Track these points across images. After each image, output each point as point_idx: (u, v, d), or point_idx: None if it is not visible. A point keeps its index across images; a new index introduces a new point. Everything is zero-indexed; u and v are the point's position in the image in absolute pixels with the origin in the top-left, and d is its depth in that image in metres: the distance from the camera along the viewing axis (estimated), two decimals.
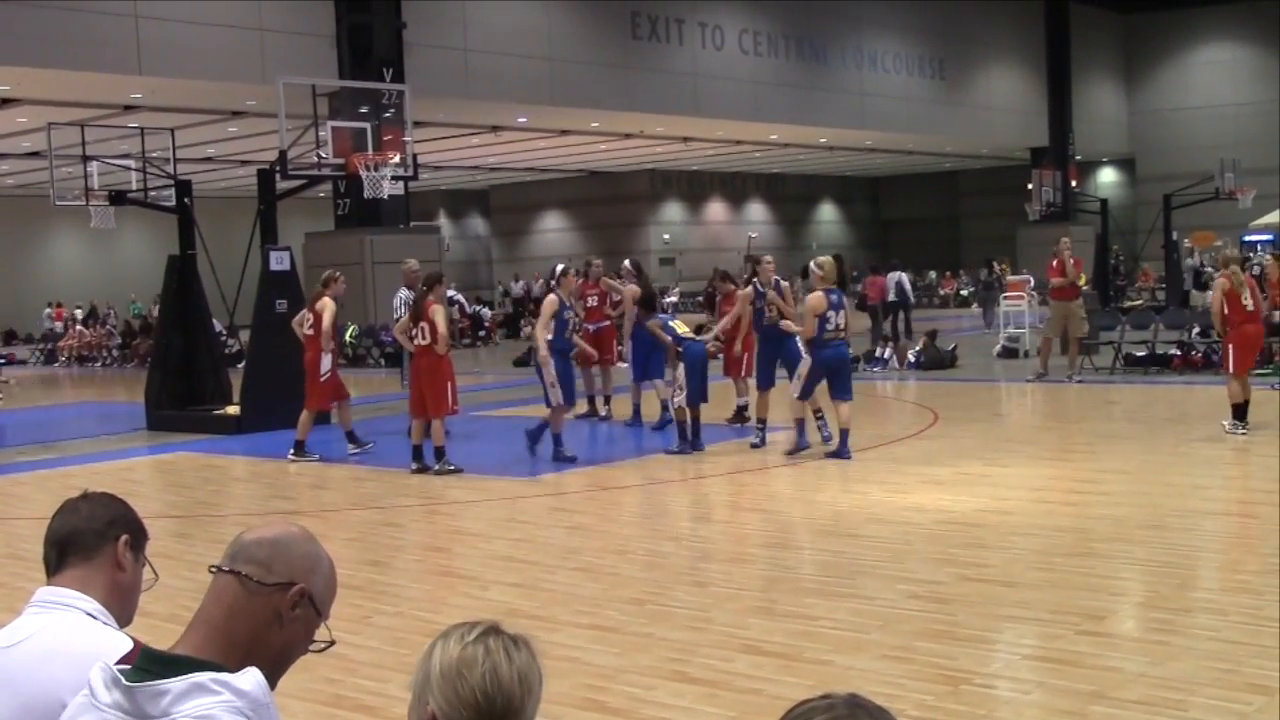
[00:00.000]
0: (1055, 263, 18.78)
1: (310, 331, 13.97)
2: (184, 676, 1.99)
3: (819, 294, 12.23)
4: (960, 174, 55.11)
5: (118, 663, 2.06)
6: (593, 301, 16.61)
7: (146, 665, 2.05)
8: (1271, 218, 39.47)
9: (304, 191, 19.60)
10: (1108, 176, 54.16)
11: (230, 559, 2.18)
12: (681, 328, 13.49)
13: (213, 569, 2.19)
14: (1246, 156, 37.94)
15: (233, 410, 17.03)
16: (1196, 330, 20.18)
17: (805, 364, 12.34)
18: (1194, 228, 38.82)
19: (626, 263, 17.03)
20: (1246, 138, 43.92)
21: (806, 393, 12.66)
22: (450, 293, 29.94)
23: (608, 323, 16.57)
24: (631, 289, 15.34)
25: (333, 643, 2.25)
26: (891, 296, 27.98)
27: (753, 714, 5.43)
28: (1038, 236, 43.00)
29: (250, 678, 2.01)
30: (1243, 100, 46.82)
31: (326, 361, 13.98)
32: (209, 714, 1.96)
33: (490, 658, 1.93)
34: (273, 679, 2.09)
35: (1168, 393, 17.01)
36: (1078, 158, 46.27)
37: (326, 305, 13.95)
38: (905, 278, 29.02)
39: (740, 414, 15.13)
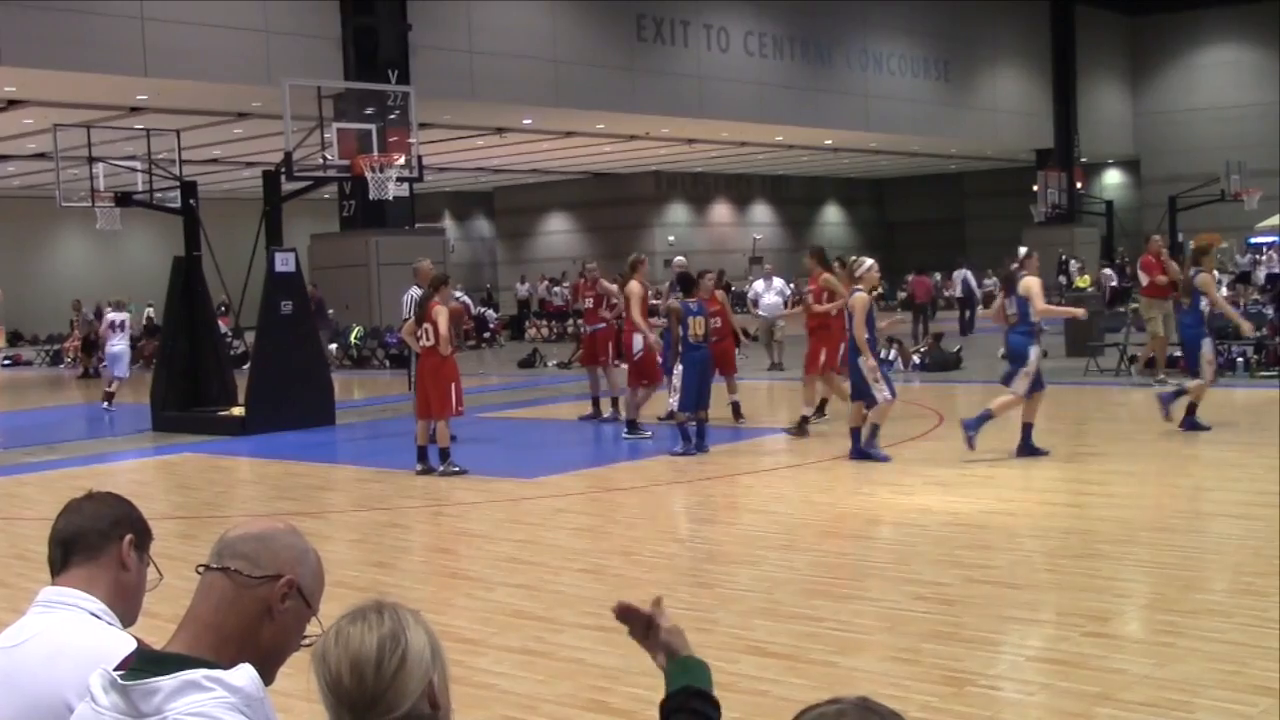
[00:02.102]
0: (1153, 259, 17.79)
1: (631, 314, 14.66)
2: (176, 674, 1.99)
3: (677, 304, 13.21)
4: (965, 176, 55.08)
5: (116, 667, 2.06)
6: (588, 303, 16.70)
7: (141, 665, 2.05)
8: (1277, 218, 39.41)
9: (309, 193, 19.63)
10: (1113, 178, 54.10)
11: (217, 556, 2.18)
12: (697, 330, 13.33)
13: (200, 568, 2.20)
14: (1252, 158, 37.91)
15: (238, 411, 17.05)
16: None
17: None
18: (1199, 230, 38.74)
19: (679, 259, 17.38)
20: (1252, 140, 43.83)
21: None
22: (457, 294, 30.01)
23: (604, 325, 16.59)
24: (673, 304, 14.21)
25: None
26: (958, 293, 28.87)
27: (758, 715, 5.43)
28: (1043, 238, 42.99)
29: (243, 674, 2.01)
30: (1248, 102, 46.75)
31: (639, 341, 14.47)
32: (202, 710, 1.96)
33: (340, 638, 1.96)
34: (267, 675, 2.10)
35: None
36: (1083, 159, 46.25)
37: (634, 290, 14.48)
38: (970, 275, 29.81)
39: (737, 411, 15.28)
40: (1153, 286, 17.77)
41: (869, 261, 12.40)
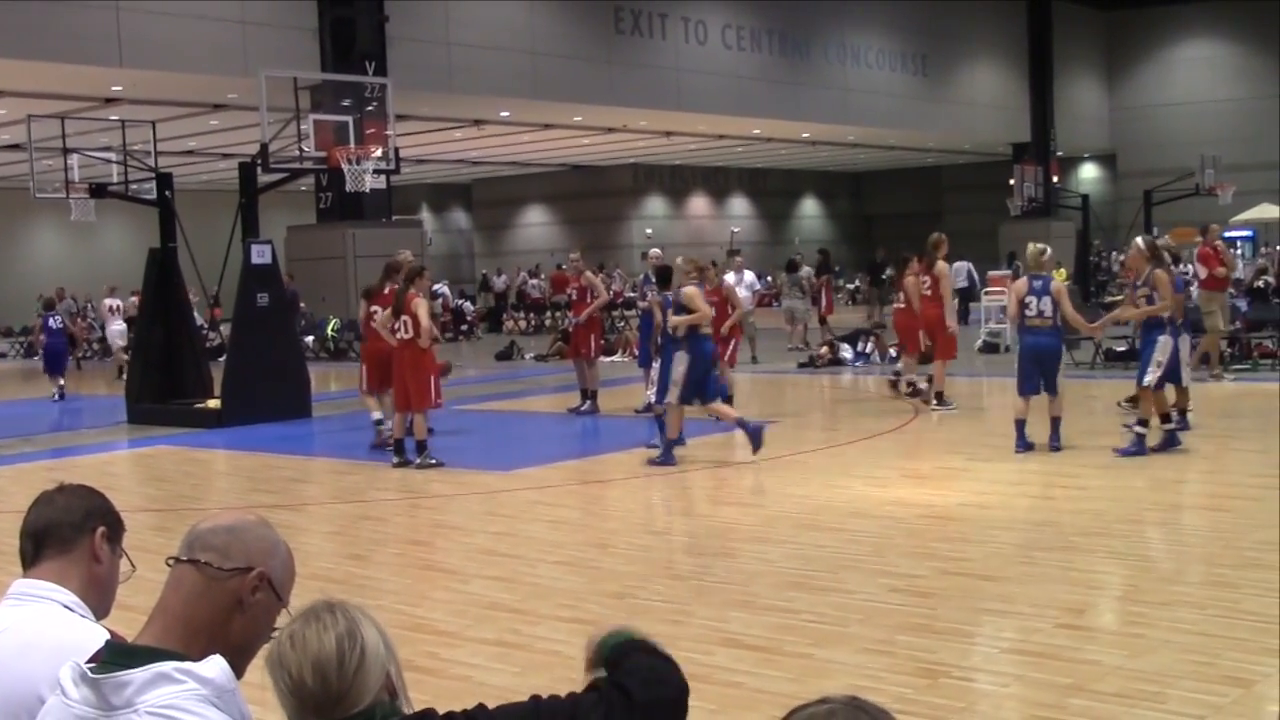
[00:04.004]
0: (1210, 251, 17.29)
1: (927, 292, 15.47)
2: (147, 666, 1.99)
3: (657, 297, 13.51)
4: (943, 169, 55.22)
5: (87, 660, 2.06)
6: (573, 295, 16.66)
7: (111, 658, 2.05)
8: (1252, 213, 39.66)
9: (285, 185, 19.56)
10: (1089, 172, 54.31)
11: (187, 548, 2.18)
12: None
13: (170, 561, 2.19)
14: (1226, 153, 38.09)
15: (214, 404, 16.99)
16: None
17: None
18: (1174, 223, 38.93)
19: (655, 251, 17.43)
20: (1227, 134, 44.06)
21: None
22: (437, 286, 29.97)
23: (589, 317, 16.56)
24: (654, 301, 14.36)
25: None
26: (962, 283, 29.57)
27: (733, 707, 5.44)
28: (1020, 232, 43.12)
29: (214, 665, 2.01)
30: (1223, 97, 46.99)
31: (951, 317, 15.52)
32: (173, 703, 1.96)
33: (296, 640, 1.99)
34: (237, 667, 2.10)
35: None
36: (1059, 153, 46.39)
37: (944, 271, 15.38)
38: (972, 266, 30.45)
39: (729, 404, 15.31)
40: (1211, 279, 17.35)
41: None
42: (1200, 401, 15.39)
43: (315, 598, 2.09)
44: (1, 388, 25.71)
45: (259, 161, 16.84)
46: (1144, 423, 11.41)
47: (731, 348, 15.59)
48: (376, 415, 13.91)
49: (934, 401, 15.24)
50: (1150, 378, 11.33)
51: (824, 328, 24.83)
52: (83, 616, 2.50)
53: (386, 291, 13.48)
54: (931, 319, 15.35)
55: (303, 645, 1.97)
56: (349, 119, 17.78)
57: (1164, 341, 11.35)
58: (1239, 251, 37.66)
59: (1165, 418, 11.53)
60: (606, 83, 31.24)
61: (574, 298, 16.64)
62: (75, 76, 23.42)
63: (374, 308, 13.51)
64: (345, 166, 16.90)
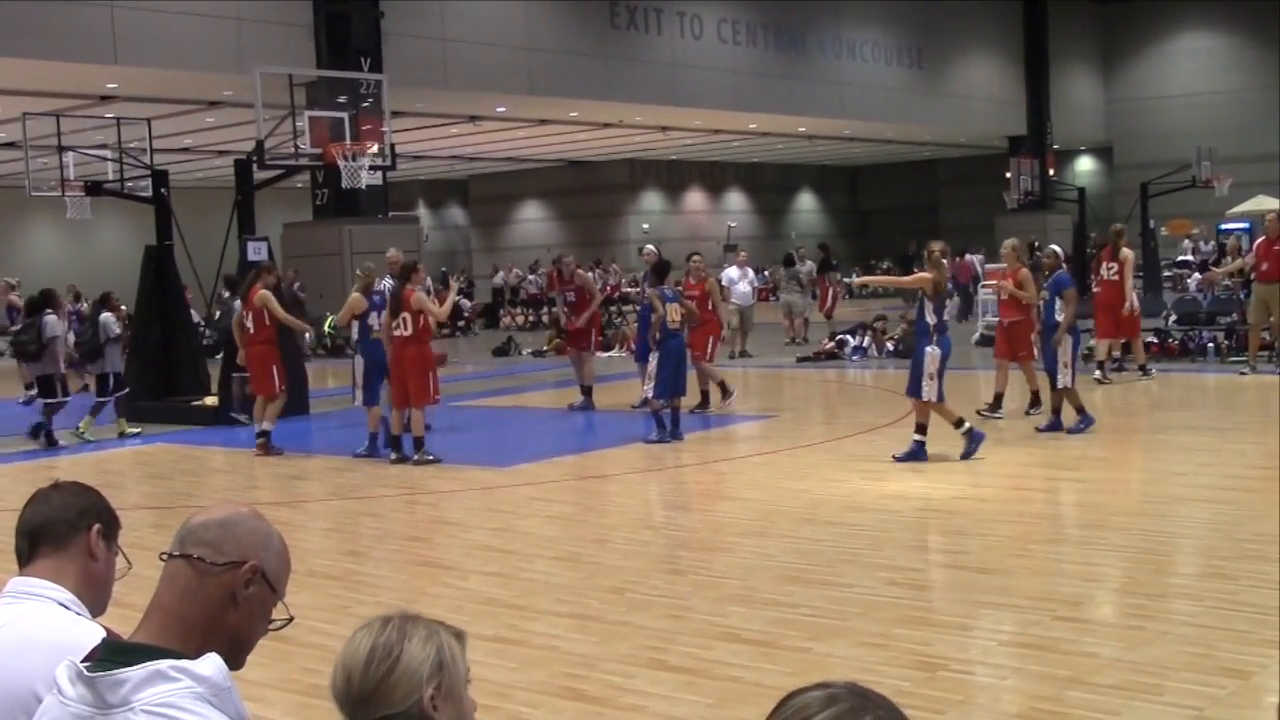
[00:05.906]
0: (1267, 241, 16.67)
1: (1114, 277, 16.42)
2: (142, 665, 1.98)
3: (655, 291, 13.71)
4: (939, 163, 55.20)
5: (84, 658, 2.05)
6: (570, 297, 16.59)
7: (107, 656, 2.04)
8: (1248, 205, 39.65)
9: (282, 182, 19.53)
10: (1085, 165, 54.31)
11: (179, 543, 2.17)
12: (674, 316, 13.35)
13: (163, 556, 2.18)
14: (1223, 145, 38.09)
15: (211, 401, 16.97)
16: (1174, 319, 20.27)
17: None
18: (1171, 216, 39.02)
19: (650, 247, 17.48)
20: (1223, 126, 44.05)
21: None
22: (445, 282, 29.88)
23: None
24: (652, 295, 14.28)
25: (291, 619, 2.24)
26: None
27: (731, 701, 5.45)
28: (1016, 225, 43.10)
29: (210, 663, 2.01)
30: (1219, 89, 46.99)
31: (1133, 299, 16.53)
32: (169, 701, 1.95)
33: (348, 643, 2.06)
34: (234, 662, 2.09)
35: (1144, 380, 17.08)
36: (1055, 146, 46.39)
37: (1128, 256, 16.43)
38: (978, 261, 31.09)
39: (706, 400, 15.31)
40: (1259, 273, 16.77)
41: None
42: (1197, 392, 15.41)
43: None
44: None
45: (255, 158, 16.81)
46: (922, 429, 11.33)
47: (711, 345, 15.59)
48: (262, 426, 13.99)
49: (1139, 371, 16.72)
50: (927, 392, 11.24)
51: (830, 323, 24.76)
52: (78, 614, 2.49)
53: (250, 291, 14.11)
54: (1113, 299, 16.44)
55: (347, 646, 2.05)
56: (345, 115, 17.75)
57: (931, 353, 11.26)
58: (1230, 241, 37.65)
59: (921, 429, 11.37)
60: (602, 78, 31.22)
61: (572, 299, 16.58)
62: (70, 74, 23.37)
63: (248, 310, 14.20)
64: (341, 163, 16.88)
